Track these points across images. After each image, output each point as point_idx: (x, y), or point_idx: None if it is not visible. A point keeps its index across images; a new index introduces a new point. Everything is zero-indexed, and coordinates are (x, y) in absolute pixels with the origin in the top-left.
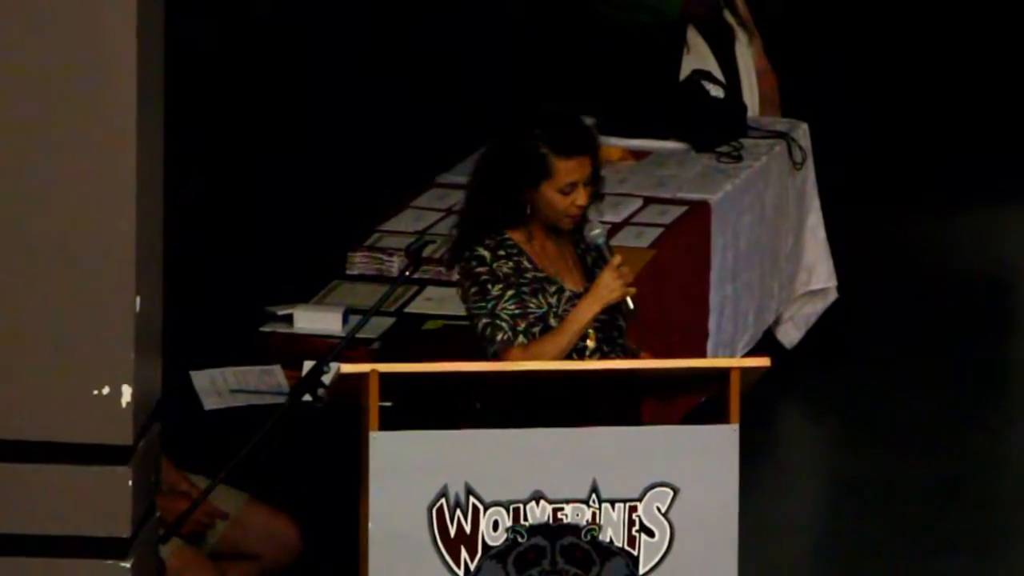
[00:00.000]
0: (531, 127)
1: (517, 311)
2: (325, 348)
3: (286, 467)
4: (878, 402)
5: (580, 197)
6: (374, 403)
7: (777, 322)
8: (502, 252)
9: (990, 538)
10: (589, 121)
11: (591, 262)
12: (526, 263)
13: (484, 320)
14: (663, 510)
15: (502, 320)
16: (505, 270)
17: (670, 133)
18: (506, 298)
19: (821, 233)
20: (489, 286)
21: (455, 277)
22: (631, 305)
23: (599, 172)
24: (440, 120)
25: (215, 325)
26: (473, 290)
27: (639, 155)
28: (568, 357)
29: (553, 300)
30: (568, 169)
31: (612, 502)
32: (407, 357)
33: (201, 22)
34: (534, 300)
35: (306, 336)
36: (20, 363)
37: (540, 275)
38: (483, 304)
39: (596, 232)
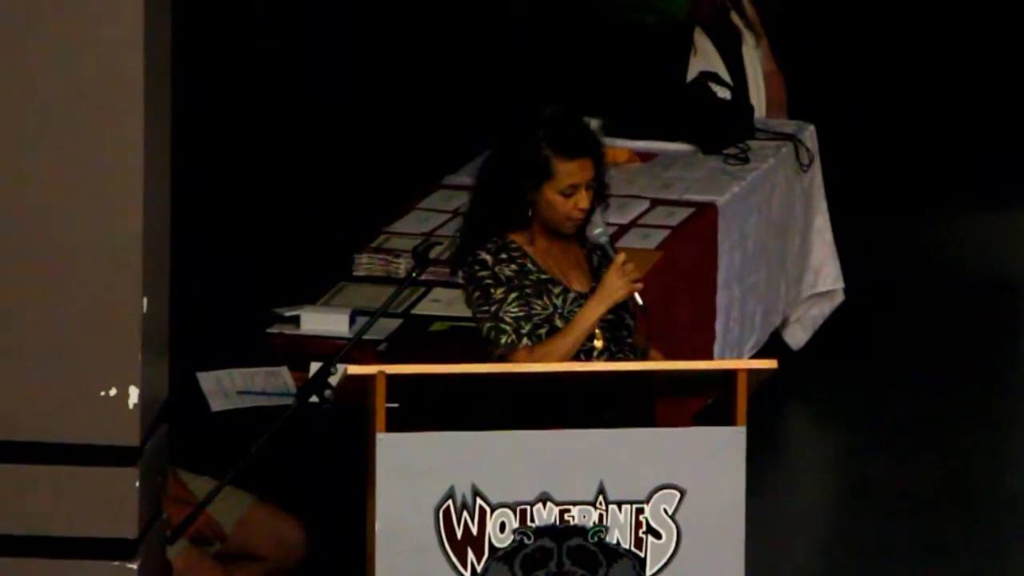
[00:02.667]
0: (534, 129)
1: (521, 314)
2: (332, 349)
3: (292, 468)
4: (885, 404)
5: (582, 200)
6: (381, 404)
7: (784, 324)
8: (504, 255)
9: (996, 539)
10: (595, 123)
11: (597, 262)
12: (529, 265)
13: (488, 324)
14: (670, 512)
15: (506, 323)
16: (508, 273)
17: (677, 135)
18: (509, 301)
19: (828, 235)
20: (492, 290)
21: (460, 281)
22: (640, 301)
23: (603, 176)
24: (446, 121)
25: (222, 326)
26: (476, 294)
27: (646, 157)
28: (576, 358)
29: (558, 301)
30: (569, 171)
31: (619, 504)
32: (414, 358)
33: (204, 23)
34: (538, 302)
35: (313, 337)
36: (27, 364)
37: (544, 277)
38: (487, 308)
39: (598, 231)
